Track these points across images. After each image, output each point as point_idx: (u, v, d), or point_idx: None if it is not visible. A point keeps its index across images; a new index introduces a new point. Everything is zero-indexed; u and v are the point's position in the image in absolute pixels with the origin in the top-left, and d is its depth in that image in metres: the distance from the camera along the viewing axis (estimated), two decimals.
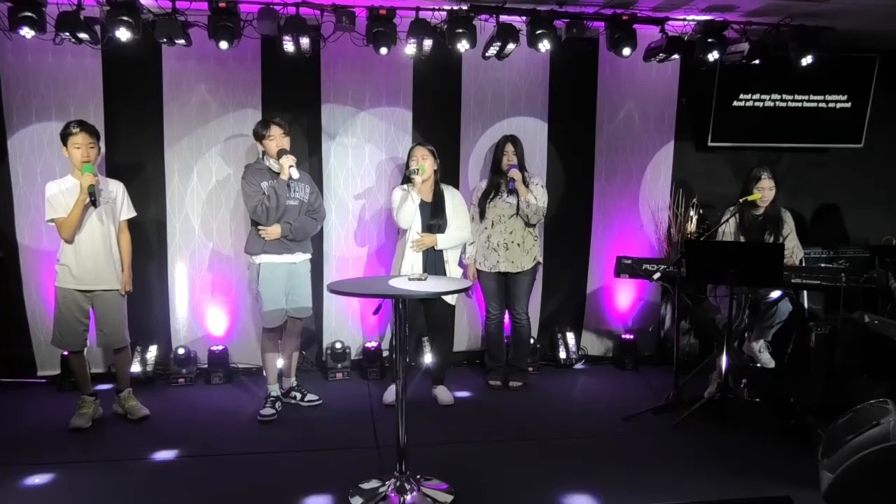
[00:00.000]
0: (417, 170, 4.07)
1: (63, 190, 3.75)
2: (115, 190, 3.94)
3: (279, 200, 3.93)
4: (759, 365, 4.51)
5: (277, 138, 3.98)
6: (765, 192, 4.25)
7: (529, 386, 4.65)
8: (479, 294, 4.82)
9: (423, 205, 4.14)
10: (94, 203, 3.68)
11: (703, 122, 5.20)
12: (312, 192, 4.16)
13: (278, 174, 3.98)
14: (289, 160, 3.94)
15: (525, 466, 3.40)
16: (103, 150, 4.48)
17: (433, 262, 4.16)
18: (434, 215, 4.17)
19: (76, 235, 3.75)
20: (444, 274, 4.18)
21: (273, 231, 3.96)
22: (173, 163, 4.70)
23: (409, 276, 3.28)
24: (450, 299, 4.26)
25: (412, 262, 4.11)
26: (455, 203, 4.27)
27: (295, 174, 3.95)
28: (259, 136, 4.02)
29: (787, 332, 4.54)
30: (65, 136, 3.73)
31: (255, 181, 3.97)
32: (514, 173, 4.37)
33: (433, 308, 4.28)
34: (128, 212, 3.99)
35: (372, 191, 4.93)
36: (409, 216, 4.10)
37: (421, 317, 4.44)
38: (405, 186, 4.18)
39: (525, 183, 4.42)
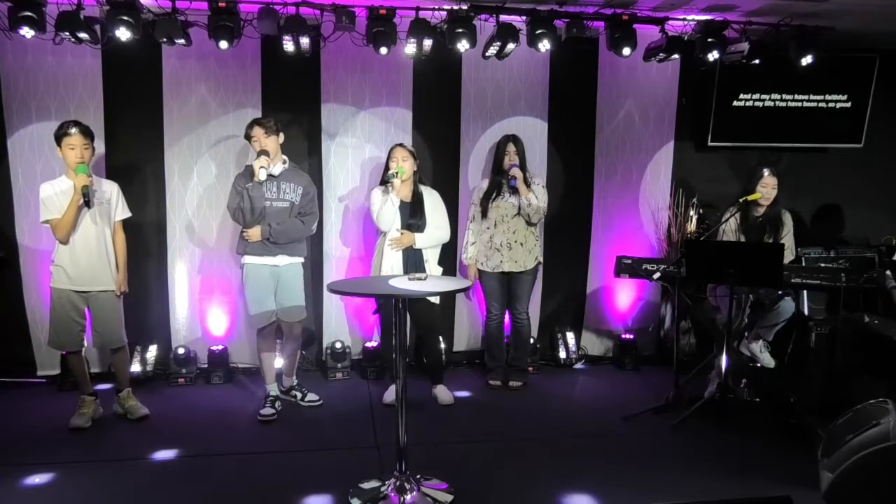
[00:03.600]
0: (397, 172, 4.07)
1: (57, 191, 3.74)
2: (110, 190, 3.92)
3: (253, 203, 3.91)
4: (759, 365, 4.50)
5: (260, 138, 3.94)
6: (767, 189, 4.24)
7: (529, 386, 4.65)
8: (479, 294, 4.82)
9: (402, 205, 4.16)
10: (87, 204, 3.67)
11: (703, 122, 5.20)
12: (306, 194, 4.09)
13: None
14: (259, 161, 3.89)
15: (525, 466, 3.40)
16: (102, 150, 4.49)
17: (413, 262, 4.16)
18: (413, 215, 4.17)
19: (71, 236, 3.75)
20: (424, 273, 4.17)
21: (254, 233, 3.96)
22: (173, 163, 4.70)
23: (409, 276, 3.28)
24: (434, 298, 4.23)
25: (392, 261, 4.12)
26: (433, 203, 4.27)
27: (262, 175, 3.88)
28: (246, 137, 4.02)
29: (787, 332, 4.54)
30: (59, 137, 3.72)
31: (241, 183, 3.97)
32: (516, 171, 4.37)
33: (417, 309, 4.25)
34: (122, 212, 3.98)
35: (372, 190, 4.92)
36: (390, 219, 4.11)
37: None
38: (384, 188, 4.18)
39: (527, 182, 4.42)
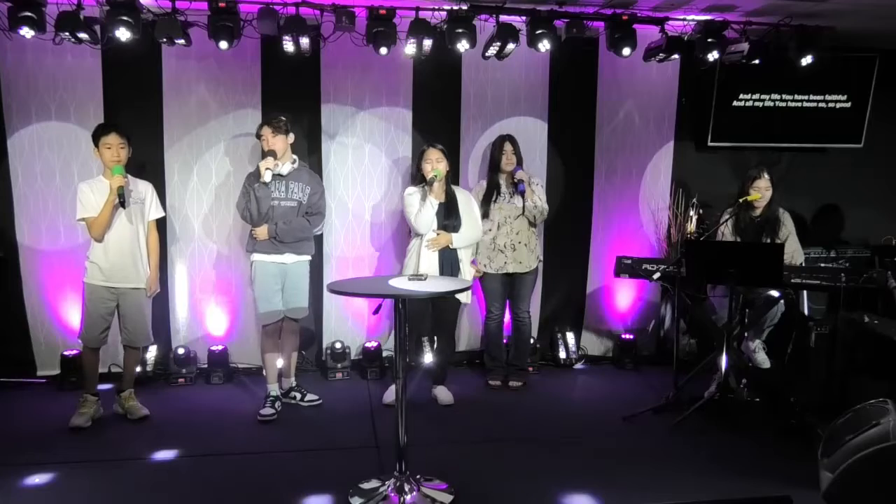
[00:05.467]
0: (436, 175, 4.08)
1: (94, 190, 3.84)
2: (144, 191, 4.02)
3: (259, 203, 3.96)
4: (750, 365, 4.50)
5: (268, 138, 4.01)
6: (761, 191, 4.24)
7: (529, 386, 4.65)
8: (478, 294, 4.82)
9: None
10: (122, 204, 3.77)
11: (703, 122, 5.20)
12: (314, 192, 4.14)
13: None
14: (265, 163, 3.96)
15: (525, 466, 3.40)
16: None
17: (450, 262, 4.16)
18: (448, 216, 4.17)
19: (105, 234, 3.83)
20: (459, 272, 4.19)
21: (261, 232, 4.02)
22: (173, 162, 4.70)
23: (409, 276, 3.28)
24: (463, 297, 4.24)
25: (429, 262, 4.11)
26: (466, 202, 4.27)
27: (267, 177, 3.94)
28: (257, 136, 4.08)
29: (787, 332, 4.54)
30: (96, 137, 3.82)
31: (250, 183, 4.03)
32: (522, 175, 4.37)
33: (443, 307, 4.27)
34: (156, 212, 4.08)
35: (372, 190, 4.93)
36: (429, 221, 4.11)
37: (428, 317, 4.38)
38: (420, 189, 4.17)
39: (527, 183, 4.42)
